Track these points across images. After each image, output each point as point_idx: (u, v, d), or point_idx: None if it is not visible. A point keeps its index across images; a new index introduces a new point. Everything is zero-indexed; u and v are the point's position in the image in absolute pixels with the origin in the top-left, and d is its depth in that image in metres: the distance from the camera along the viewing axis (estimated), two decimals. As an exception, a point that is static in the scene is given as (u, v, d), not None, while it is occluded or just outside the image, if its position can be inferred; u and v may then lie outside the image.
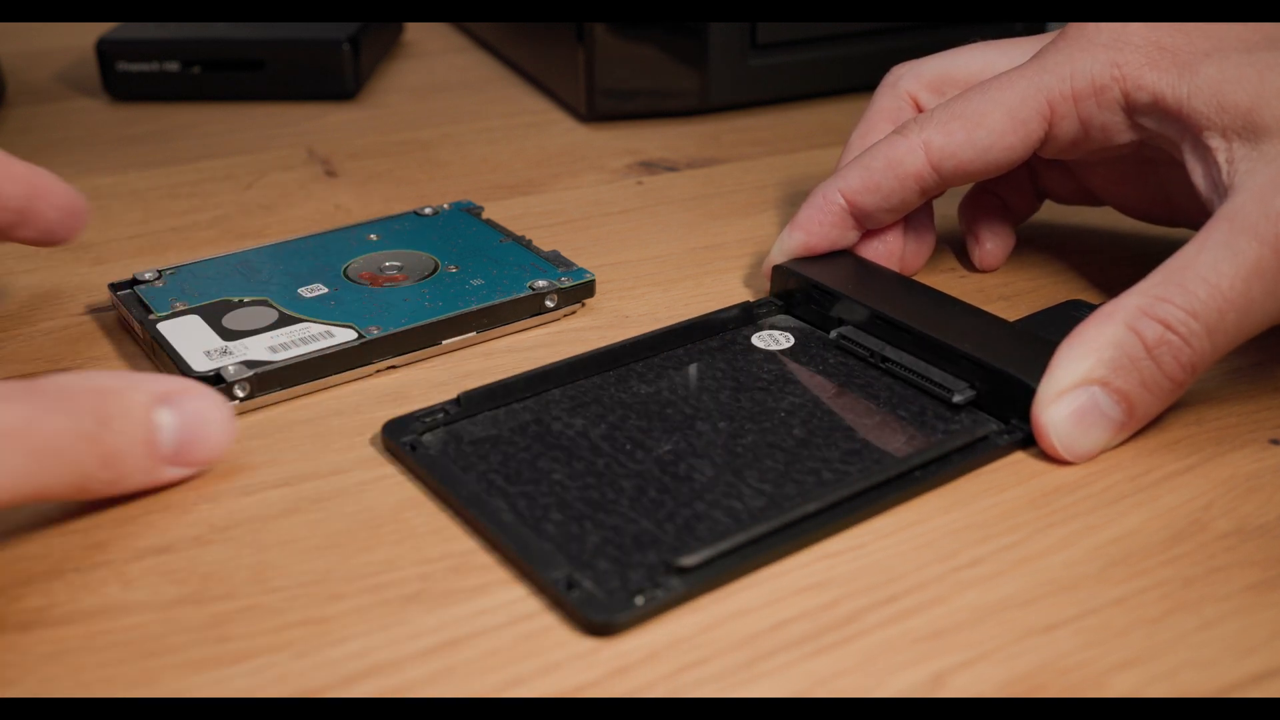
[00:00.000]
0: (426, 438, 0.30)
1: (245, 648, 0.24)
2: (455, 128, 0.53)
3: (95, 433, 0.25)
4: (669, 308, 0.37)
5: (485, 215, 0.41)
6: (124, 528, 0.27)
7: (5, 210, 0.33)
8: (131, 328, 0.35)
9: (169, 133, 0.53)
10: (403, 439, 0.29)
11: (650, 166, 0.49)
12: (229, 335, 0.33)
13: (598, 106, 0.53)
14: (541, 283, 0.36)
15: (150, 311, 0.34)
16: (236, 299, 0.35)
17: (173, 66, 0.55)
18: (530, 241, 0.39)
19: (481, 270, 0.37)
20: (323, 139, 0.52)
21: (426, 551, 0.26)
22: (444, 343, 0.34)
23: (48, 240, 0.34)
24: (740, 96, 0.54)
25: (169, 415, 0.27)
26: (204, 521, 0.27)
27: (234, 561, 0.26)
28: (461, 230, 0.40)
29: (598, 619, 0.24)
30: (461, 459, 0.29)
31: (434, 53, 0.65)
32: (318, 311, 0.34)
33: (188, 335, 0.33)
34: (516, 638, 0.24)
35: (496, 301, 0.35)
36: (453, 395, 0.31)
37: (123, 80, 0.56)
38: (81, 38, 0.64)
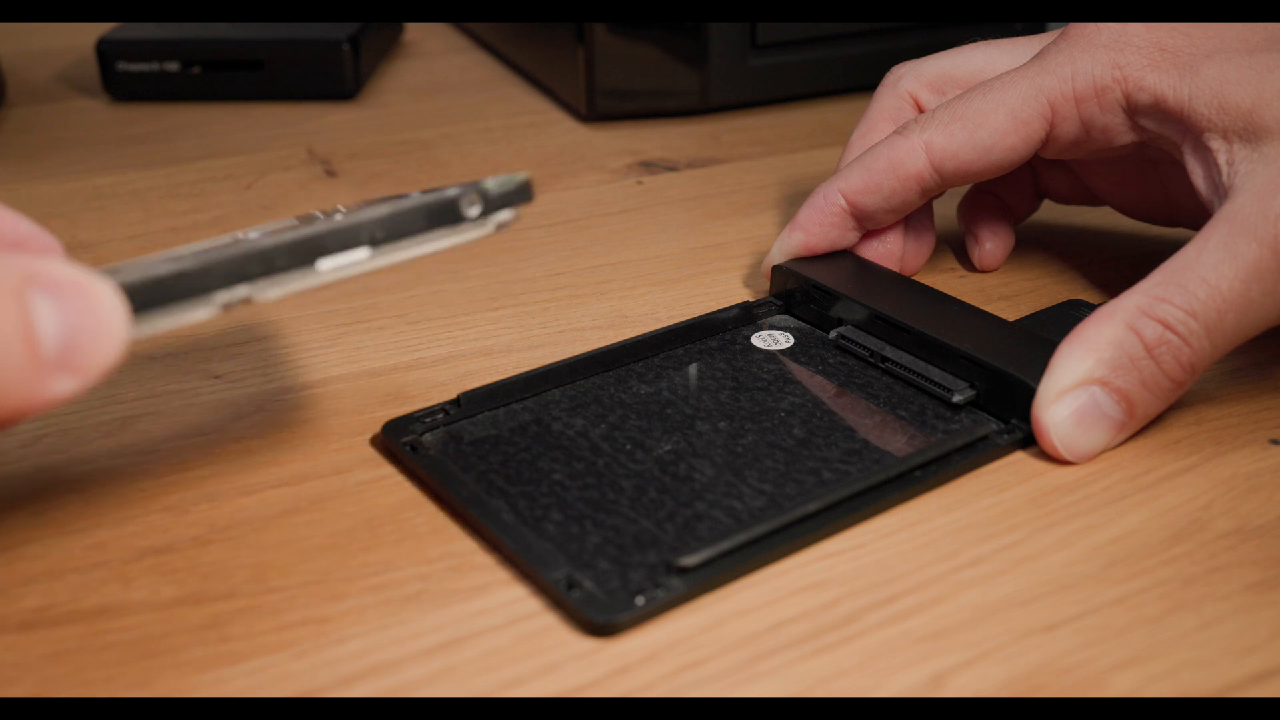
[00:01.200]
0: (426, 438, 0.30)
1: (245, 648, 0.24)
2: (455, 128, 0.53)
3: None
4: (669, 308, 0.37)
5: None
6: (124, 528, 0.27)
7: None
8: None
9: (169, 133, 0.53)
10: (403, 439, 0.29)
11: (650, 166, 0.49)
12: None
13: (598, 106, 0.53)
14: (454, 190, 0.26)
15: None
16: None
17: (173, 66, 0.55)
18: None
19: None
20: (323, 139, 0.52)
21: (426, 551, 0.26)
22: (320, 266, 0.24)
23: None
24: (740, 96, 0.54)
25: (46, 303, 0.20)
26: (204, 521, 0.27)
27: (234, 561, 0.26)
28: None
29: (598, 619, 0.24)
30: (461, 459, 0.29)
31: (434, 53, 0.65)
32: None
33: None
34: (516, 638, 0.24)
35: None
36: (453, 395, 0.31)
37: (123, 80, 0.56)
38: (81, 38, 0.64)
